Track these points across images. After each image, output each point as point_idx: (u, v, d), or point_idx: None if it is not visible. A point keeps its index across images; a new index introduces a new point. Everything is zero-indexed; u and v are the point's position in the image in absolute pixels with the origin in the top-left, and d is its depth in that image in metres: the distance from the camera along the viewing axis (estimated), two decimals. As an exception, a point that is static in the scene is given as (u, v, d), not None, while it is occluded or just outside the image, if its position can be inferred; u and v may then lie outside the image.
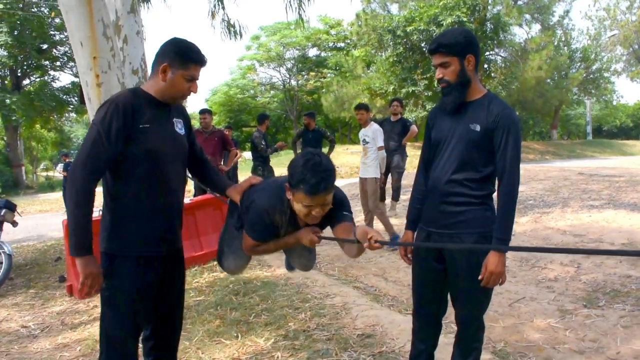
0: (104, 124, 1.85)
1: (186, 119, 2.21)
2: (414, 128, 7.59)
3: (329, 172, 1.98)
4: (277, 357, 2.97)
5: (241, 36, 7.71)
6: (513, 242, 5.66)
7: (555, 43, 30.68)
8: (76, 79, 24.24)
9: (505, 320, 3.58)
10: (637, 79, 43.85)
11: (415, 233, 2.36)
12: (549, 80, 30.84)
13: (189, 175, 2.41)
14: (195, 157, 2.35)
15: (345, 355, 2.96)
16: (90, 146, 1.84)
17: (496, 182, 2.15)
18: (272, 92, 40.18)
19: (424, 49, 24.78)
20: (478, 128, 2.07)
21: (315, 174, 1.94)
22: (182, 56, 1.97)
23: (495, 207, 2.13)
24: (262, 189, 2.24)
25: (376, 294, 4.27)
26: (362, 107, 6.47)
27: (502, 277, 2.10)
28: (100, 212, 2.07)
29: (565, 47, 33.77)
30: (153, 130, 1.96)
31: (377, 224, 6.47)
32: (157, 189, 1.99)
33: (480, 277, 2.08)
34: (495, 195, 2.16)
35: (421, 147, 2.39)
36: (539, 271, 4.68)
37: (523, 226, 6.54)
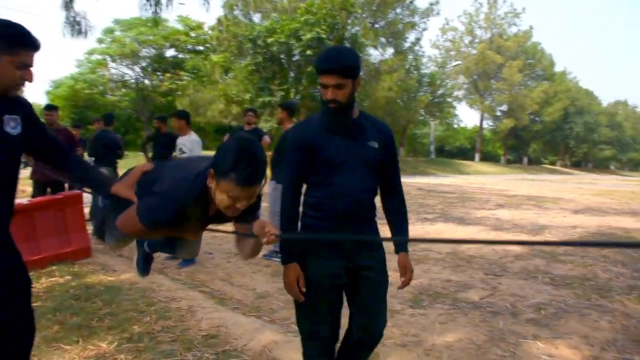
0: None
1: (27, 114, 1.95)
2: (266, 139, 7.52)
3: (264, 163, 1.81)
4: (120, 359, 3.00)
5: (86, 35, 7.41)
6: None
7: (407, 67, 33.04)
8: None
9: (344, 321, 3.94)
10: (475, 105, 49.27)
11: (310, 265, 2.16)
12: (398, 101, 33.05)
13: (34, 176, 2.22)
14: (55, 150, 2.11)
15: (189, 355, 3.08)
16: None
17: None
18: (123, 90, 38.21)
19: (283, 61, 25.44)
20: (376, 145, 2.13)
21: (251, 163, 1.73)
22: (9, 40, 1.74)
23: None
24: (175, 172, 2.02)
25: (222, 298, 4.42)
26: (180, 114, 6.34)
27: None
28: None
29: (415, 72, 36.48)
30: None
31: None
32: None
33: (404, 279, 2.23)
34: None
35: (290, 167, 2.21)
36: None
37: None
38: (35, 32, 1.82)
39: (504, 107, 49.04)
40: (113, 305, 3.98)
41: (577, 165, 63.54)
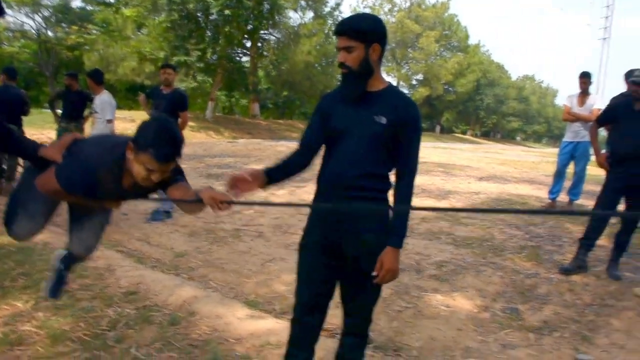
0: None
1: None
2: (185, 116, 6.52)
3: (181, 143, 2.03)
4: (39, 317, 3.04)
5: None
6: (272, 213, 6.31)
7: (326, 32, 33.00)
8: None
9: (257, 277, 4.16)
10: (392, 73, 50.32)
11: (306, 228, 2.20)
12: (316, 65, 32.94)
13: None
14: None
15: (110, 311, 3.18)
16: None
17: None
18: (22, 40, 35.39)
19: (199, 19, 24.72)
20: (384, 120, 1.96)
21: (170, 142, 1.96)
22: None
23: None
24: (96, 142, 2.19)
25: (140, 257, 4.51)
26: (90, 75, 6.27)
27: (396, 274, 2.04)
28: None
29: (334, 37, 36.42)
30: None
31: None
32: None
33: (375, 274, 2.02)
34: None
35: (305, 131, 2.19)
36: (289, 236, 5.40)
37: (280, 197, 7.32)
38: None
39: (420, 76, 50.64)
40: (26, 265, 3.95)
41: (487, 135, 67.20)
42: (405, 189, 2.04)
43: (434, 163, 14.19)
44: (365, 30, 1.94)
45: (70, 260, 2.68)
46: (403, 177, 2.04)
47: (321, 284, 2.16)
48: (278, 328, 2.97)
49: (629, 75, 4.47)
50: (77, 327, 2.94)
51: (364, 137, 1.99)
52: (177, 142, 2.00)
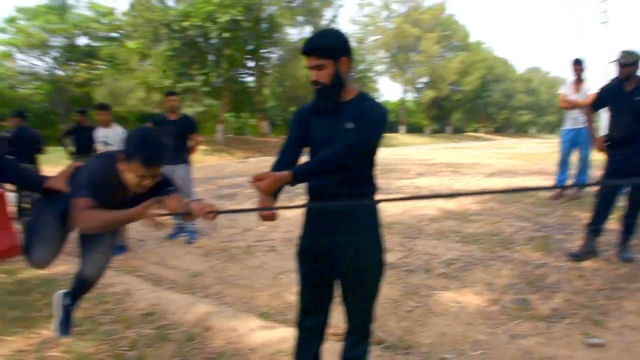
0: None
1: None
2: (197, 138, 6.62)
3: (164, 146, 2.20)
4: (64, 343, 3.19)
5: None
6: (284, 227, 6.39)
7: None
8: None
9: (269, 290, 4.27)
10: (397, 79, 50.53)
11: (300, 236, 2.30)
12: (320, 79, 33.23)
13: None
14: None
15: (130, 332, 3.33)
16: None
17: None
18: (35, 82, 36.24)
19: (200, 45, 25.13)
20: (350, 126, 2.06)
21: (153, 147, 2.15)
22: None
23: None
24: (94, 159, 2.39)
25: (156, 280, 4.65)
26: (103, 107, 6.45)
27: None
28: None
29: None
30: None
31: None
32: None
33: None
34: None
35: (281, 148, 2.30)
36: (299, 248, 5.49)
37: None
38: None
39: (425, 79, 50.77)
40: (50, 296, 4.10)
41: (499, 131, 66.81)
42: (331, 152, 2.03)
43: (443, 164, 14.27)
44: (331, 47, 2.05)
45: (77, 293, 2.80)
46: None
47: (318, 286, 2.29)
48: (289, 336, 3.06)
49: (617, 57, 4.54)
50: (100, 350, 3.10)
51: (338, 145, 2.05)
52: (159, 147, 2.18)
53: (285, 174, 2.00)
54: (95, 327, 3.43)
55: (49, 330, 3.37)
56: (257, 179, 2.00)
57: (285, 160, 2.23)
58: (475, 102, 54.76)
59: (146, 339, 3.22)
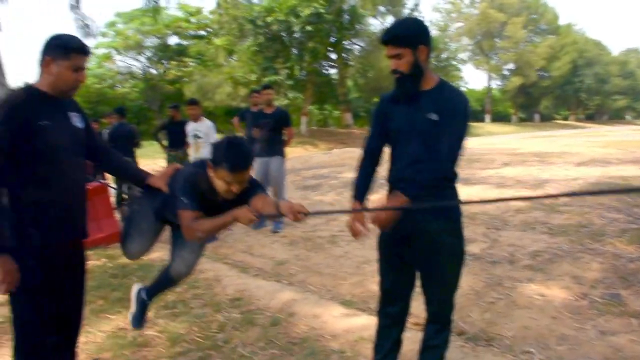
0: (3, 124, 1.94)
1: (82, 113, 2.30)
2: (290, 131, 6.73)
3: (248, 154, 2.27)
4: (160, 323, 3.43)
5: (95, 37, 7.85)
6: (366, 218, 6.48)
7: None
8: None
9: (352, 279, 4.33)
10: (481, 66, 48.94)
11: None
12: (403, 68, 32.91)
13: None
14: (100, 149, 2.45)
15: (219, 316, 3.51)
16: None
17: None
18: (131, 81, 38.61)
19: (284, 39, 25.61)
20: (434, 117, 2.05)
21: (238, 153, 2.22)
22: (63, 47, 2.05)
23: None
24: (189, 165, 2.56)
25: (244, 267, 4.84)
26: (194, 102, 6.69)
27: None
28: None
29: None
30: (51, 127, 2.06)
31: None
32: (59, 182, 2.10)
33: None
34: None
35: (366, 137, 2.37)
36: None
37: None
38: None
39: (511, 66, 48.75)
40: (147, 280, 4.40)
41: (591, 118, 62.94)
42: (430, 170, 2.06)
43: (530, 153, 13.68)
44: (409, 36, 2.06)
45: (157, 290, 2.90)
46: (432, 160, 2.07)
47: (398, 274, 2.31)
48: (371, 324, 3.08)
49: None
50: (191, 331, 3.29)
51: (421, 135, 2.09)
52: (245, 154, 2.25)
53: (401, 200, 2.04)
54: (187, 310, 3.65)
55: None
56: (377, 218, 2.08)
57: (372, 149, 2.31)
58: (565, 88, 51.82)
59: (233, 323, 3.38)
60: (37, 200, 2.06)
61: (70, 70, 2.08)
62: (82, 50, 2.11)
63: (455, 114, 2.06)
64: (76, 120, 2.23)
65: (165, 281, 2.82)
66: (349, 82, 33.59)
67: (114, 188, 7.40)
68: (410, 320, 2.53)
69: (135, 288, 2.94)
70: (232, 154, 2.21)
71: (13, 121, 1.96)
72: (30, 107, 2.02)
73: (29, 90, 2.09)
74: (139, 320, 2.88)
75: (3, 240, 1.96)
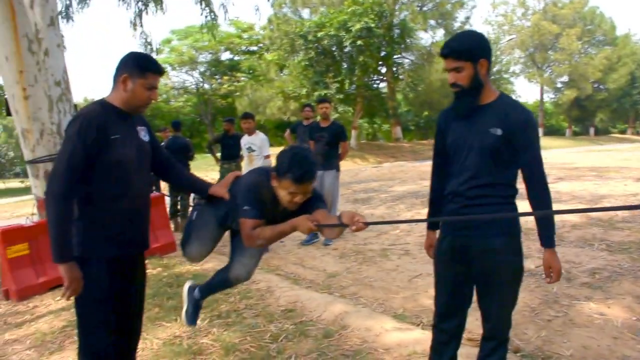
0: (79, 137, 2.00)
1: (148, 126, 2.37)
2: (345, 146, 6.66)
3: (314, 165, 2.25)
4: (214, 332, 3.47)
5: (157, 53, 8.14)
6: (418, 231, 6.37)
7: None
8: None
9: (404, 292, 4.27)
10: (534, 79, 47.74)
11: (438, 238, 2.33)
12: (453, 82, 32.59)
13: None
14: (164, 162, 2.49)
15: (271, 326, 3.52)
16: (67, 159, 2.00)
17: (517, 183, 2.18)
18: (185, 96, 39.80)
19: (335, 53, 25.79)
20: (499, 132, 2.02)
21: (303, 165, 2.20)
22: (141, 66, 2.12)
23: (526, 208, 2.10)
24: (250, 173, 2.54)
25: (296, 278, 4.86)
26: (248, 116, 6.79)
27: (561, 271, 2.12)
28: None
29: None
30: (122, 140, 2.11)
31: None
32: (126, 194, 2.15)
33: (547, 279, 2.13)
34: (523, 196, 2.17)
35: (433, 152, 2.38)
36: (434, 252, 5.42)
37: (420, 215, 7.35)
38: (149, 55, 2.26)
39: (565, 78, 47.24)
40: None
41: (651, 132, 60.03)
42: (536, 192, 2.11)
43: (586, 168, 13.18)
44: (470, 49, 2.03)
45: (213, 290, 2.93)
46: (530, 182, 2.11)
47: (455, 290, 2.25)
48: (424, 338, 3.04)
49: None
50: (244, 341, 3.31)
51: (481, 149, 2.06)
52: (309, 164, 2.23)
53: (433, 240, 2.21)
54: (240, 320, 3.68)
55: (201, 320, 3.69)
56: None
57: (437, 165, 2.34)
58: (622, 100, 49.58)
59: (286, 333, 3.38)
60: (105, 212, 2.13)
61: (145, 88, 2.14)
62: (158, 70, 2.18)
63: (526, 127, 2.04)
64: (143, 134, 2.29)
65: (221, 283, 2.86)
66: (399, 96, 33.45)
67: (170, 196, 7.61)
68: (465, 335, 2.46)
69: (186, 285, 2.99)
70: (297, 165, 2.20)
71: (87, 135, 2.02)
72: (104, 121, 2.07)
73: (102, 105, 2.15)
74: (193, 317, 2.93)
75: (70, 250, 2.03)
